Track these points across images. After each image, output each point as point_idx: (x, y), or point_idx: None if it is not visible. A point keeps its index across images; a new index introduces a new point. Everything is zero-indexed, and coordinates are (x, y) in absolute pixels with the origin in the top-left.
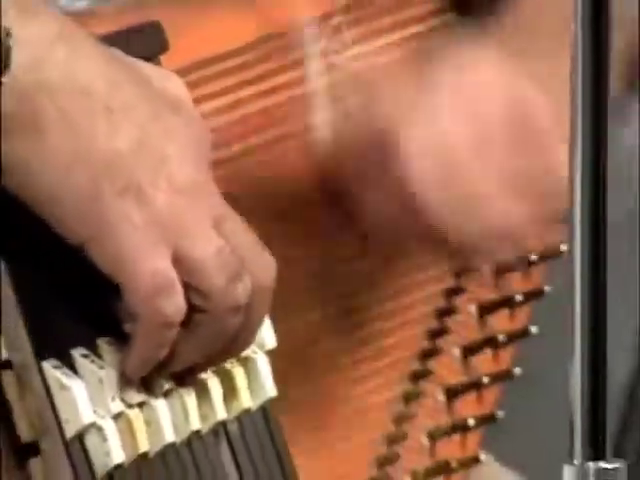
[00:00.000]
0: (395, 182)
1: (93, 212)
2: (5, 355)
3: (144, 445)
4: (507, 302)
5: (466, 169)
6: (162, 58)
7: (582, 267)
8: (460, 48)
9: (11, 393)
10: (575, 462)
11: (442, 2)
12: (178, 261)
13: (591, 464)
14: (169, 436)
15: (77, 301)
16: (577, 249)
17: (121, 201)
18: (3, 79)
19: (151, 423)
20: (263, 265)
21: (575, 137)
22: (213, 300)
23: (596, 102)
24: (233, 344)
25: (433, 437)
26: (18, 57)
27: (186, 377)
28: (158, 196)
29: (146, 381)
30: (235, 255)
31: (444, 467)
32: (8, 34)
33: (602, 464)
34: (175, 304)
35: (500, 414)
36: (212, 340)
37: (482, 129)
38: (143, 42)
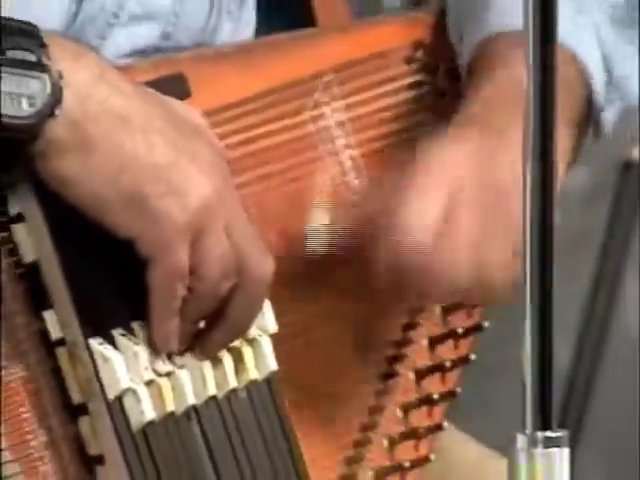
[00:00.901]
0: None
1: (142, 211)
2: (60, 334)
3: (170, 406)
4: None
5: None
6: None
7: (532, 270)
8: (443, 141)
9: (64, 364)
10: (526, 431)
11: (414, 65)
12: (192, 249)
13: (539, 433)
14: (190, 399)
15: (117, 291)
16: (527, 255)
17: (163, 202)
18: (56, 112)
19: (176, 389)
20: (263, 265)
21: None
22: (203, 286)
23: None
24: (236, 326)
25: (405, 409)
26: (68, 94)
27: (204, 352)
28: (190, 199)
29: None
30: (234, 258)
31: (414, 433)
32: (61, 76)
33: (549, 433)
34: (184, 285)
35: (459, 390)
36: (194, 314)
37: (456, 209)
38: (170, 90)
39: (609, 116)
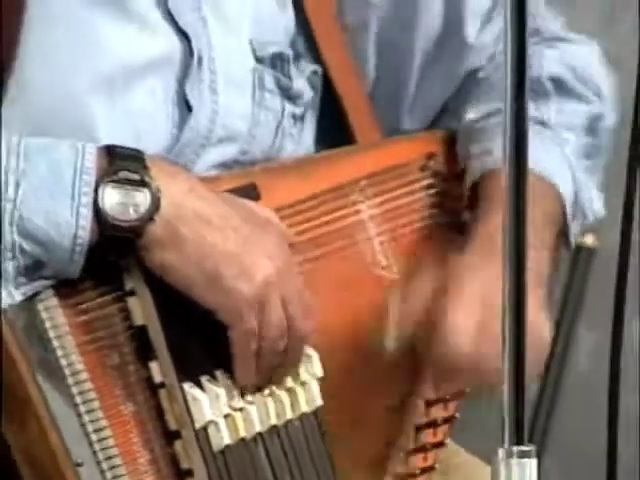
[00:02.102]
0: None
1: (219, 289)
2: (161, 379)
3: (242, 433)
4: None
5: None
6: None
7: (509, 329)
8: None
9: (164, 402)
10: (505, 445)
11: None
12: (258, 315)
13: (514, 447)
14: (257, 428)
15: (204, 347)
16: (506, 318)
17: (235, 281)
18: (155, 217)
19: (246, 420)
20: (306, 327)
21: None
22: (265, 343)
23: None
24: (287, 370)
25: (418, 429)
26: (164, 204)
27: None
28: (257, 278)
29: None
30: (288, 321)
31: (423, 448)
32: (159, 190)
33: (522, 447)
34: (256, 343)
35: (458, 416)
36: (263, 364)
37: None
38: (245, 195)
39: (575, 230)
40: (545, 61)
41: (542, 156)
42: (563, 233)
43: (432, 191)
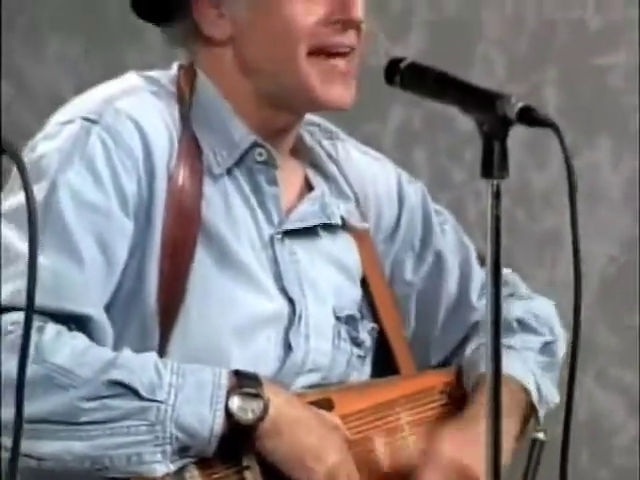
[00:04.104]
0: None
1: (303, 468)
2: None
3: None
4: None
5: None
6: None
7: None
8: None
9: None
10: None
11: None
12: None
13: None
14: None
15: None
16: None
17: (314, 464)
18: (265, 418)
19: None
20: None
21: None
22: None
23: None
24: None
25: None
26: (271, 410)
27: None
28: (327, 464)
29: None
30: None
31: None
32: (268, 400)
33: None
34: None
35: None
36: None
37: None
38: (323, 406)
39: (541, 413)
40: (513, 309)
41: (511, 366)
42: (532, 413)
43: (447, 406)
